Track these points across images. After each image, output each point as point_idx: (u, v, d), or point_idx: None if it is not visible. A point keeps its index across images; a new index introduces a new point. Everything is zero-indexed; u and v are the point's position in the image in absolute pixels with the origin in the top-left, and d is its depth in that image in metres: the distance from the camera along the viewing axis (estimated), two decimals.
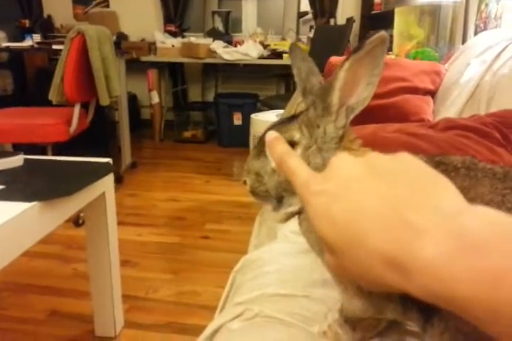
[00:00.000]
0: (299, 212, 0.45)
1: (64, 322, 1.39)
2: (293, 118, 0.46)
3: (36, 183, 0.90)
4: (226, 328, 0.48)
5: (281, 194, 0.45)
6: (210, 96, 4.18)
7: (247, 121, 3.14)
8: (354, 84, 0.40)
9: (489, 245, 0.23)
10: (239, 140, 3.41)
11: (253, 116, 2.71)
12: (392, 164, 0.31)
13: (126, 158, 2.96)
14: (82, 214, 2.05)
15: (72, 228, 2.03)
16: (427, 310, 0.39)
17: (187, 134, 3.79)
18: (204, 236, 2.02)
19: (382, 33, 0.38)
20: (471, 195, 0.37)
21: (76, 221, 2.06)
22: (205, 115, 3.80)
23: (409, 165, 0.31)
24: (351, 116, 0.42)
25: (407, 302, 0.40)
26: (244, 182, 0.47)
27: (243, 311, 0.49)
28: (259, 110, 3.15)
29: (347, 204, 0.29)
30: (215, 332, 0.49)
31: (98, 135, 2.79)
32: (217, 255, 1.84)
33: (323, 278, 0.55)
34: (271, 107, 2.90)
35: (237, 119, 3.51)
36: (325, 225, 0.30)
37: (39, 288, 1.57)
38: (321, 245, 0.43)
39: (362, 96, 0.41)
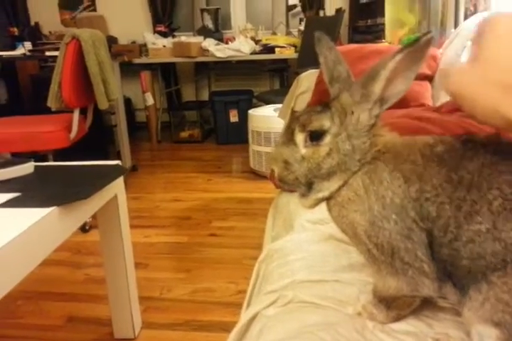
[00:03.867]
0: (328, 198, 0.47)
1: (82, 326, 1.39)
2: (322, 106, 0.47)
3: (51, 189, 0.91)
4: (262, 315, 0.50)
5: (311, 180, 0.46)
6: (204, 95, 4.18)
7: (243, 117, 3.15)
8: (394, 77, 0.42)
9: None
10: (236, 137, 3.42)
11: (251, 111, 2.71)
12: None
13: (126, 162, 2.96)
14: (88, 220, 2.06)
15: (79, 234, 2.04)
16: (460, 286, 0.40)
17: (184, 134, 3.79)
18: (211, 234, 2.03)
19: (432, 34, 0.41)
20: (501, 168, 0.38)
21: (83, 227, 2.06)
22: (200, 114, 3.80)
23: None
24: (385, 107, 0.44)
25: (443, 277, 0.41)
26: (272, 171, 0.49)
27: (277, 298, 0.51)
28: (255, 106, 3.16)
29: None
30: (252, 319, 0.50)
31: (96, 140, 2.78)
32: (226, 251, 1.85)
33: (350, 263, 0.57)
34: (267, 102, 2.91)
35: (234, 116, 3.51)
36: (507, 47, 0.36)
37: (53, 295, 1.57)
38: (354, 229, 0.44)
39: (398, 88, 0.43)
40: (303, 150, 0.46)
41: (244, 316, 0.51)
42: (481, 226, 0.39)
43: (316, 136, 0.45)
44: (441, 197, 0.41)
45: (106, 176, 1.00)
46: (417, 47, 0.41)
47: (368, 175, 0.45)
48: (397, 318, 0.47)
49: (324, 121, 0.45)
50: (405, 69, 0.42)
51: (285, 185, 0.48)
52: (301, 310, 0.48)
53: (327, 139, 0.45)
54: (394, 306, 0.47)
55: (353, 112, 0.45)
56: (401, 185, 0.43)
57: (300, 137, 0.46)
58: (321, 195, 0.46)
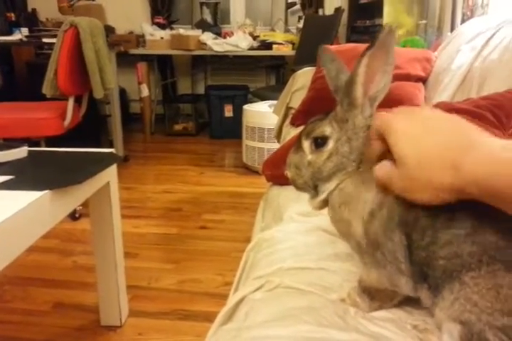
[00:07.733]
0: (327, 200, 0.50)
1: (69, 313, 1.40)
2: (325, 114, 0.50)
3: (44, 173, 0.92)
4: (249, 299, 0.51)
5: (316, 183, 0.50)
6: (200, 89, 4.17)
7: (238, 112, 3.16)
8: (372, 76, 0.45)
9: None
10: (230, 132, 3.44)
11: (245, 107, 2.73)
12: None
13: (119, 152, 2.95)
14: (79, 208, 2.06)
15: (68, 222, 2.04)
16: (435, 287, 0.42)
17: (178, 127, 3.79)
18: (201, 227, 2.04)
19: (390, 26, 0.43)
20: None
21: (73, 214, 2.06)
22: (195, 107, 3.80)
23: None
24: (375, 104, 0.46)
25: (419, 280, 0.43)
26: (287, 175, 0.52)
27: (264, 283, 0.53)
28: (250, 101, 3.17)
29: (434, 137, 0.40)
30: (239, 302, 0.52)
31: (89, 129, 2.77)
32: (215, 244, 1.87)
33: (335, 252, 0.59)
34: (262, 98, 2.92)
35: (228, 111, 3.52)
36: (409, 145, 0.40)
37: (41, 281, 1.58)
38: (349, 229, 0.47)
39: (380, 84, 0.45)
40: (309, 156, 0.50)
41: (232, 299, 0.52)
42: (459, 231, 0.40)
43: (320, 143, 0.49)
44: (415, 207, 0.42)
45: (99, 163, 1.01)
46: (379, 44, 0.43)
47: (361, 176, 0.47)
48: (379, 309, 0.49)
49: (325, 128, 0.48)
50: (380, 65, 0.44)
51: (297, 188, 0.52)
52: (286, 295, 0.50)
53: (330, 145, 0.48)
54: (377, 298, 0.49)
55: (347, 120, 0.47)
56: None
57: (306, 144, 0.50)
58: (323, 195, 0.50)
